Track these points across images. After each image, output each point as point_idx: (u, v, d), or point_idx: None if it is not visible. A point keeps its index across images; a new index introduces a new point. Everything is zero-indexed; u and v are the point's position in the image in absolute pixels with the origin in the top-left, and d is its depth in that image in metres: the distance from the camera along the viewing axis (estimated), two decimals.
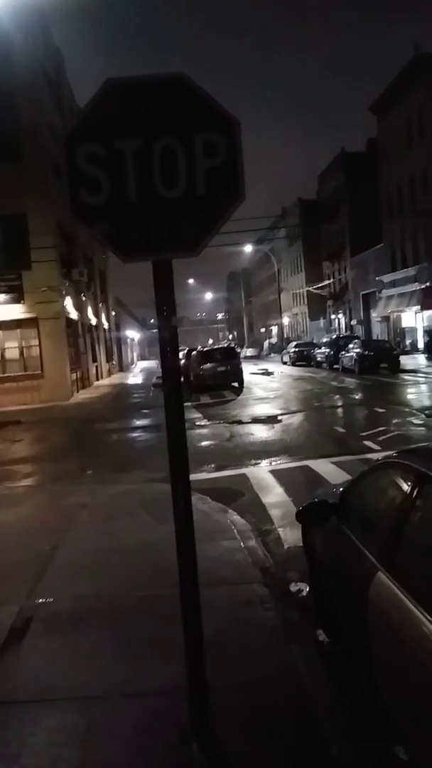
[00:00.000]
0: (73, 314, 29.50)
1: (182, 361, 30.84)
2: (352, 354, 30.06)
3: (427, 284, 37.54)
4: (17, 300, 25.50)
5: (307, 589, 5.08)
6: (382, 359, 28.66)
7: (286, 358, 45.05)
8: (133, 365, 72.69)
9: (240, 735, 3.25)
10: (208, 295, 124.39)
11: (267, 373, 36.15)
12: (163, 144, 2.77)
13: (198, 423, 16.35)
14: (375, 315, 48.46)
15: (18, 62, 24.31)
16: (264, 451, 11.69)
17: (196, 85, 2.80)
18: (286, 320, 72.09)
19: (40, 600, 5.21)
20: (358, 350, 29.80)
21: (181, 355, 32.77)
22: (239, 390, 25.26)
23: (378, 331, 48.39)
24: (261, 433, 13.99)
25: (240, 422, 15.86)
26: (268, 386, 26.71)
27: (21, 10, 22.45)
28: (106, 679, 3.93)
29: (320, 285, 62.51)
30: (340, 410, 17.53)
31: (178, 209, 2.84)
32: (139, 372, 52.93)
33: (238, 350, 36.23)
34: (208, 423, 16.30)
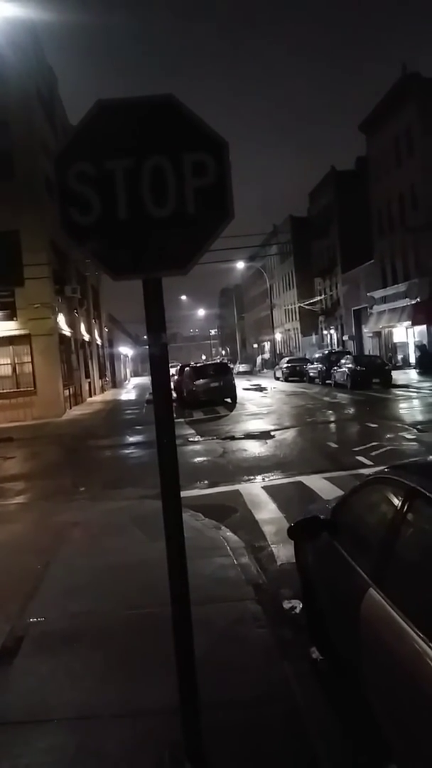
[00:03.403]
0: (66, 331, 29.52)
1: (175, 377, 30.86)
2: (344, 369, 30.15)
3: (418, 300, 37.81)
4: (10, 317, 25.53)
5: (300, 606, 5.06)
6: (374, 374, 28.73)
7: (278, 374, 45.10)
8: (127, 381, 72.61)
9: (233, 755, 3.22)
10: (201, 312, 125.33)
11: (260, 388, 36.19)
12: (152, 164, 2.81)
13: (191, 439, 16.34)
14: (367, 330, 48.70)
15: (11, 80, 24.58)
16: (257, 467, 11.68)
17: (185, 106, 2.84)
18: (278, 336, 72.30)
19: (32, 619, 5.17)
20: (350, 366, 29.88)
21: (173, 371, 32.86)
22: (232, 406, 25.26)
23: (370, 347, 48.62)
24: (254, 448, 13.98)
25: (233, 438, 15.85)
26: (261, 402, 26.73)
27: (14, 29, 22.70)
28: (98, 699, 3.90)
29: (312, 301, 62.82)
30: (332, 425, 17.56)
31: (167, 228, 2.87)
32: (132, 388, 52.86)
33: (231, 366, 36.29)
34: (201, 439, 16.28)
